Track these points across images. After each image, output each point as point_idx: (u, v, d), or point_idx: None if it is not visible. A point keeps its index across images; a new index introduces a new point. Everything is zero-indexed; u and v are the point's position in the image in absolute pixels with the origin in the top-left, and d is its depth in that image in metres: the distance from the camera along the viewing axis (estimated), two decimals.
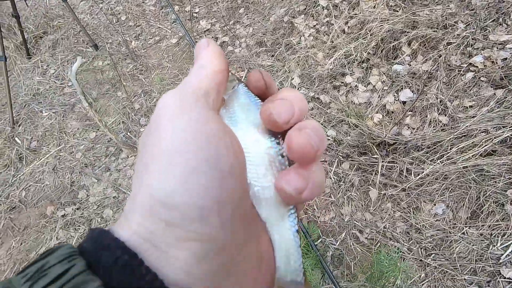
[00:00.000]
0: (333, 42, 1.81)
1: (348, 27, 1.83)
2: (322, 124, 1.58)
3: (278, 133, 0.21)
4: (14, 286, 0.13)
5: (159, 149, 0.16)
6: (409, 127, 1.44)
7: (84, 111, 2.05)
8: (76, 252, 0.15)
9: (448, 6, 1.65)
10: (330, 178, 1.46)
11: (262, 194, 0.20)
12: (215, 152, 0.16)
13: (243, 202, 0.18)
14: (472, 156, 1.25)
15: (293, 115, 0.20)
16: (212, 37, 2.24)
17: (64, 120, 2.05)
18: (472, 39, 1.50)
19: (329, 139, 1.52)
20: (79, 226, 1.59)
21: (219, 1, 2.43)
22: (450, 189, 1.29)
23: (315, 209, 1.42)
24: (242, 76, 1.93)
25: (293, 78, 1.78)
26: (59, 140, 1.95)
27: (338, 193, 1.43)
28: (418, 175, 1.31)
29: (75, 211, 1.64)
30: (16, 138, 2.00)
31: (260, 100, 0.23)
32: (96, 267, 0.14)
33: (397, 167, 1.37)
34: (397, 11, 1.74)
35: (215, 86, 0.20)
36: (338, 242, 1.32)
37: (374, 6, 1.80)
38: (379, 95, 1.55)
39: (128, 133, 1.88)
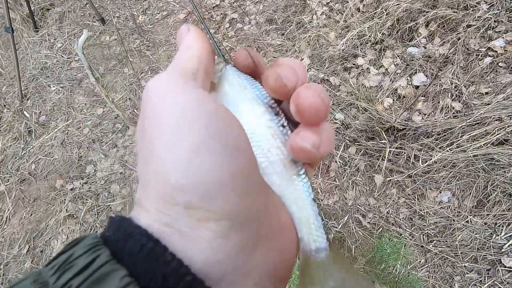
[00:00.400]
0: (346, 22, 1.74)
1: (364, 5, 1.74)
2: (330, 107, 1.55)
3: (274, 105, 0.21)
4: (43, 278, 0.14)
5: (161, 132, 0.16)
6: (420, 113, 1.40)
7: (91, 86, 2.05)
8: (100, 242, 0.15)
9: None
10: (336, 162, 1.45)
11: (272, 169, 0.20)
12: (218, 128, 0.16)
13: (255, 176, 0.18)
14: (483, 144, 1.22)
15: (299, 77, 0.20)
16: (221, 13, 2.17)
17: (71, 95, 2.05)
18: (495, 21, 1.42)
19: (337, 123, 1.50)
20: (87, 200, 1.63)
21: None
22: (457, 177, 1.27)
23: (319, 192, 1.42)
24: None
25: (302, 59, 1.73)
26: (67, 115, 1.97)
27: (343, 177, 1.42)
28: (426, 162, 1.29)
29: (83, 185, 1.68)
30: (25, 112, 2.02)
31: (251, 77, 0.22)
32: (120, 255, 0.14)
33: (404, 153, 1.34)
34: None
35: (202, 67, 0.20)
36: (340, 225, 1.33)
37: None
38: (391, 79, 1.50)
39: (135, 110, 1.88)
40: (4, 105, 2.12)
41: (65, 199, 1.65)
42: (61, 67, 2.20)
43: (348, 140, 1.46)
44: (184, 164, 0.15)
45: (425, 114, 1.39)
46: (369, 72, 1.56)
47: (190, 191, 0.15)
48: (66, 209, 1.61)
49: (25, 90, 2.11)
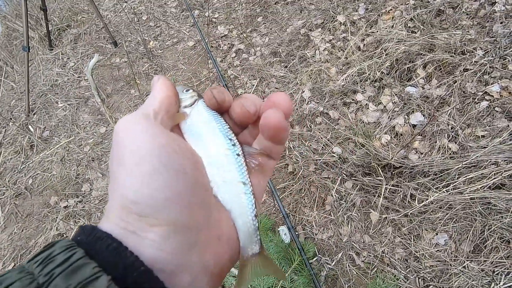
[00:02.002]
0: (347, 59, 1.80)
1: (364, 44, 1.82)
2: (328, 140, 1.57)
3: (232, 137, 0.26)
4: (28, 269, 0.17)
5: (124, 161, 0.21)
6: (417, 152, 1.41)
7: (97, 105, 2.10)
8: (74, 244, 0.19)
9: (468, 31, 1.62)
10: (332, 196, 1.44)
11: (224, 188, 0.25)
12: (167, 157, 0.21)
13: (199, 194, 0.22)
14: (480, 187, 1.21)
15: (259, 107, 0.26)
16: (228, 43, 2.27)
17: (77, 113, 2.10)
18: (490, 67, 1.47)
19: (334, 156, 1.51)
20: (79, 219, 1.62)
21: (238, 9, 2.46)
22: (454, 220, 1.25)
23: (313, 226, 1.40)
24: (253, 85, 1.94)
25: (303, 91, 1.78)
26: (70, 131, 2.00)
27: (339, 212, 1.40)
28: (422, 202, 1.28)
29: (77, 203, 1.67)
30: (30, 126, 2.06)
31: (216, 113, 0.27)
32: (91, 254, 0.18)
33: (401, 191, 1.34)
34: (415, 33, 1.72)
35: (163, 108, 0.24)
36: (334, 262, 1.29)
37: (392, 26, 1.79)
38: (389, 116, 1.53)
39: None
40: (10, 118, 2.17)
41: (57, 217, 1.63)
42: (70, 85, 2.27)
43: (344, 174, 1.46)
44: (139, 184, 0.20)
45: (421, 153, 1.40)
46: (368, 108, 1.59)
47: (142, 204, 0.19)
48: (56, 228, 1.59)
49: (33, 105, 2.17)
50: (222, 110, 0.28)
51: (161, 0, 2.81)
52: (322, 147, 1.57)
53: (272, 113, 0.24)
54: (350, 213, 1.39)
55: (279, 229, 1.33)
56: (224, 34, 2.35)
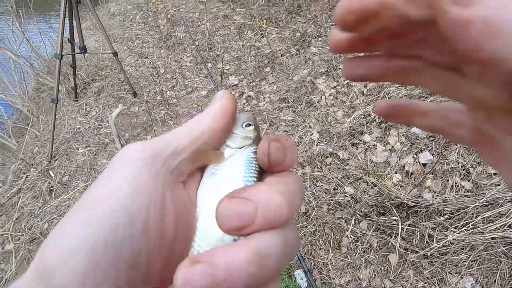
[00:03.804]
0: (352, 102, 1.90)
1: (367, 89, 1.93)
2: (340, 180, 1.59)
3: None
4: None
5: (79, 207, 0.16)
6: (430, 190, 1.41)
7: (115, 151, 2.21)
8: None
9: None
10: (347, 237, 1.41)
11: (208, 240, 0.18)
12: (113, 236, 0.15)
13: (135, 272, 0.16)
14: (499, 226, 1.18)
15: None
16: (239, 91, 2.44)
17: (95, 158, 2.20)
18: None
19: (347, 196, 1.51)
20: None
21: (247, 61, 2.69)
22: (478, 261, 1.20)
23: (330, 270, 1.35)
24: (264, 128, 2.04)
25: (312, 134, 1.85)
26: (88, 176, 2.08)
27: (355, 254, 1.36)
28: (441, 241, 1.24)
29: None
30: (51, 172, 2.16)
31: (255, 176, 0.20)
32: None
33: (418, 231, 1.31)
34: None
35: (195, 145, 0.19)
36: None
37: None
38: (398, 156, 1.57)
39: None
40: (32, 164, 2.28)
41: None
42: (91, 132, 2.42)
43: (358, 214, 1.45)
44: (67, 253, 0.15)
45: (435, 192, 1.40)
46: (376, 148, 1.64)
47: (57, 279, 0.14)
48: None
49: (55, 152, 2.29)
50: (272, 170, 0.19)
51: (177, 55, 3.10)
52: (334, 187, 1.58)
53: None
54: (368, 255, 1.34)
55: (294, 273, 1.29)
56: (235, 83, 2.54)
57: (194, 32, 3.28)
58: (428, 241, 1.27)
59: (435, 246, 1.24)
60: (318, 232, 1.49)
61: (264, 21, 2.97)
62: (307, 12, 2.92)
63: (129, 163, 0.17)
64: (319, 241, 1.46)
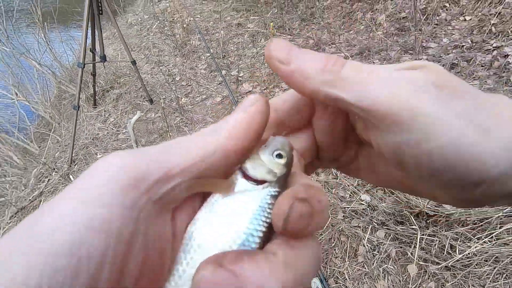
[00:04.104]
0: None
1: None
2: (355, 188, 1.57)
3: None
4: None
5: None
6: None
7: None
8: None
9: (486, 81, 1.69)
10: (364, 246, 1.38)
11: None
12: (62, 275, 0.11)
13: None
14: None
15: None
16: None
17: None
18: None
19: (363, 204, 1.49)
20: None
21: (261, 68, 2.72)
22: (504, 275, 1.15)
23: (346, 279, 1.32)
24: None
25: None
26: None
27: (373, 264, 1.33)
28: (464, 253, 1.20)
29: None
30: (71, 176, 2.23)
31: (263, 231, 0.16)
32: None
33: (438, 241, 1.27)
34: None
35: (196, 169, 0.15)
36: None
37: None
38: None
39: None
40: (53, 169, 2.36)
41: None
42: (109, 138, 2.49)
43: (375, 223, 1.42)
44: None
45: None
46: None
47: None
48: None
49: (75, 157, 2.37)
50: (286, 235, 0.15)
51: (192, 63, 3.17)
52: (350, 195, 1.56)
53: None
54: (386, 265, 1.31)
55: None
56: (249, 90, 2.56)
57: (208, 40, 3.35)
58: (450, 252, 1.23)
59: (457, 258, 1.19)
60: (334, 240, 1.47)
61: (271, 24, 3.00)
62: (321, 19, 2.94)
63: (100, 184, 0.13)
64: (335, 249, 1.44)
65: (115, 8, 4.78)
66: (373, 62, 2.17)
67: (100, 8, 2.03)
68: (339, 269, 1.38)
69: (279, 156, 0.17)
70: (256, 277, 0.12)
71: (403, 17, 2.49)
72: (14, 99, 3.33)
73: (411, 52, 2.13)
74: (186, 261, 0.15)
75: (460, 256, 1.18)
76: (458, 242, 1.23)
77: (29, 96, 3.41)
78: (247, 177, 0.17)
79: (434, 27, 2.21)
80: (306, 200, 0.14)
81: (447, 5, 2.33)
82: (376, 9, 2.71)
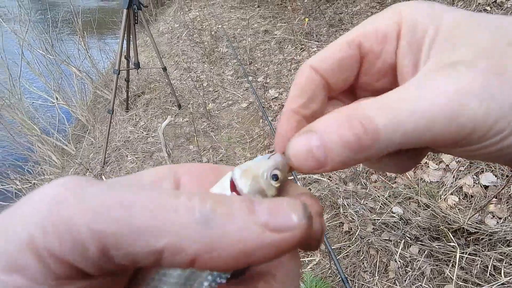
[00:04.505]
0: None
1: None
2: (386, 199, 1.50)
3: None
4: None
5: None
6: (494, 216, 1.26)
7: (160, 159, 2.33)
8: None
9: None
10: (395, 262, 1.31)
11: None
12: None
13: None
14: None
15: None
16: (279, 104, 2.45)
17: (142, 165, 2.34)
18: None
19: (395, 217, 1.41)
20: None
21: (287, 74, 2.71)
22: None
23: None
24: None
25: None
26: None
27: (405, 281, 1.26)
28: (510, 275, 1.10)
29: None
30: (103, 176, 2.34)
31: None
32: None
33: (480, 261, 1.17)
34: None
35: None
36: None
37: None
38: (453, 175, 1.44)
39: None
40: (87, 169, 2.49)
41: None
42: (139, 141, 2.59)
43: (408, 237, 1.34)
44: None
45: (500, 218, 1.25)
46: (428, 166, 1.52)
47: None
48: None
49: (107, 158, 2.48)
50: None
51: (219, 69, 3.23)
52: (380, 206, 1.49)
53: None
54: (420, 283, 1.23)
55: None
56: (275, 96, 2.56)
57: (236, 47, 3.40)
58: (493, 273, 1.13)
59: (503, 280, 1.09)
60: (363, 253, 1.40)
61: (306, 20, 2.99)
62: (349, 25, 2.89)
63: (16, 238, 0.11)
64: (363, 262, 1.38)
65: (148, 17, 5.02)
66: None
67: (136, 18, 2.14)
68: (368, 284, 1.31)
69: (275, 177, 0.16)
70: None
71: None
72: (54, 102, 3.58)
73: None
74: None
75: (507, 279, 1.08)
76: (504, 264, 1.13)
77: (68, 100, 3.65)
78: (235, 190, 0.16)
79: None
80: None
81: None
82: None
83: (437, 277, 1.22)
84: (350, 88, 0.20)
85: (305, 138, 0.16)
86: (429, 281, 1.22)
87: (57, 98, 3.55)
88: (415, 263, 1.28)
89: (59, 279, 0.11)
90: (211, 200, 0.12)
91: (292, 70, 2.73)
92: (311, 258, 1.47)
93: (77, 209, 0.11)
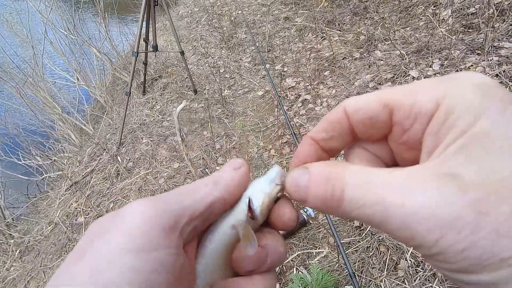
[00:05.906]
0: None
1: None
2: None
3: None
4: None
5: (100, 255, 0.15)
6: None
7: (174, 143, 2.36)
8: None
9: None
10: (406, 260, 1.28)
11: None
12: None
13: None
14: None
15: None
16: (295, 93, 2.40)
17: (156, 148, 2.38)
18: None
19: None
20: None
21: (306, 64, 2.64)
22: None
23: None
24: None
25: None
26: (149, 164, 2.25)
27: (415, 280, 1.23)
28: None
29: None
30: (118, 157, 2.39)
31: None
32: None
33: None
34: None
35: (205, 213, 0.20)
36: None
37: None
38: None
39: (206, 169, 2.06)
40: (104, 149, 2.56)
41: None
42: (155, 124, 2.62)
43: None
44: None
45: None
46: None
47: None
48: None
49: (123, 140, 2.53)
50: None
51: (237, 56, 3.19)
52: None
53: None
54: (430, 284, 1.20)
55: None
56: (292, 86, 2.51)
57: (255, 34, 3.34)
58: None
59: None
60: (372, 249, 1.38)
61: (323, 1, 2.88)
62: (375, 14, 2.76)
63: (144, 229, 0.16)
64: (372, 259, 1.36)
65: (168, 0, 4.99)
66: (433, 62, 1.98)
67: (156, 0, 2.12)
68: (375, 281, 1.29)
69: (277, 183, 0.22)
70: None
71: (472, 13, 2.22)
72: (75, 83, 3.67)
73: (478, 52, 1.90)
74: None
75: None
76: None
77: (88, 81, 3.73)
78: (250, 210, 0.21)
79: (511, 24, 1.94)
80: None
81: None
82: (440, 3, 2.46)
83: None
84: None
85: (298, 175, 0.19)
86: (441, 283, 1.19)
87: (78, 79, 3.63)
88: (427, 264, 1.24)
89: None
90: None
91: (312, 60, 2.65)
92: (319, 251, 1.47)
93: None
